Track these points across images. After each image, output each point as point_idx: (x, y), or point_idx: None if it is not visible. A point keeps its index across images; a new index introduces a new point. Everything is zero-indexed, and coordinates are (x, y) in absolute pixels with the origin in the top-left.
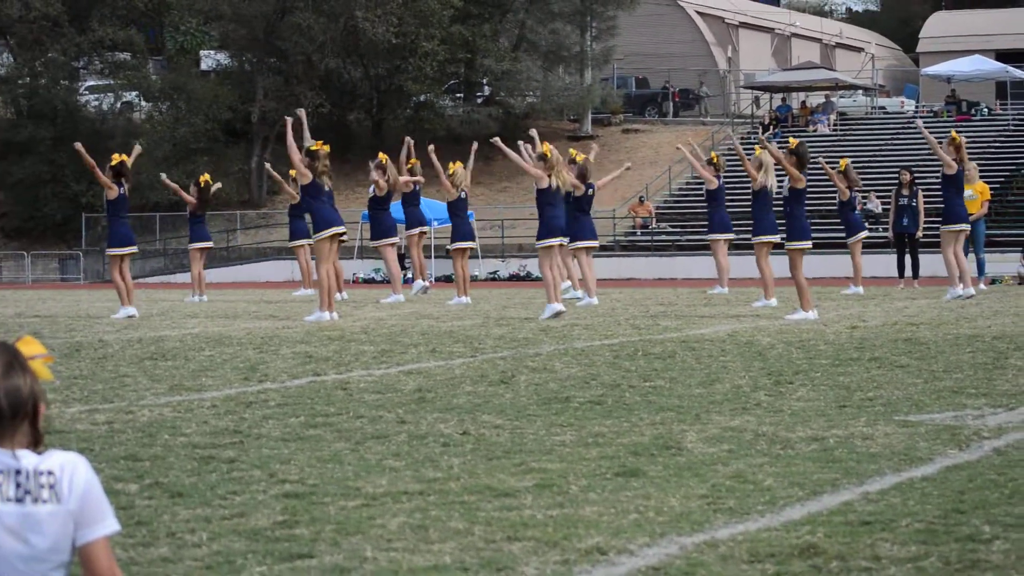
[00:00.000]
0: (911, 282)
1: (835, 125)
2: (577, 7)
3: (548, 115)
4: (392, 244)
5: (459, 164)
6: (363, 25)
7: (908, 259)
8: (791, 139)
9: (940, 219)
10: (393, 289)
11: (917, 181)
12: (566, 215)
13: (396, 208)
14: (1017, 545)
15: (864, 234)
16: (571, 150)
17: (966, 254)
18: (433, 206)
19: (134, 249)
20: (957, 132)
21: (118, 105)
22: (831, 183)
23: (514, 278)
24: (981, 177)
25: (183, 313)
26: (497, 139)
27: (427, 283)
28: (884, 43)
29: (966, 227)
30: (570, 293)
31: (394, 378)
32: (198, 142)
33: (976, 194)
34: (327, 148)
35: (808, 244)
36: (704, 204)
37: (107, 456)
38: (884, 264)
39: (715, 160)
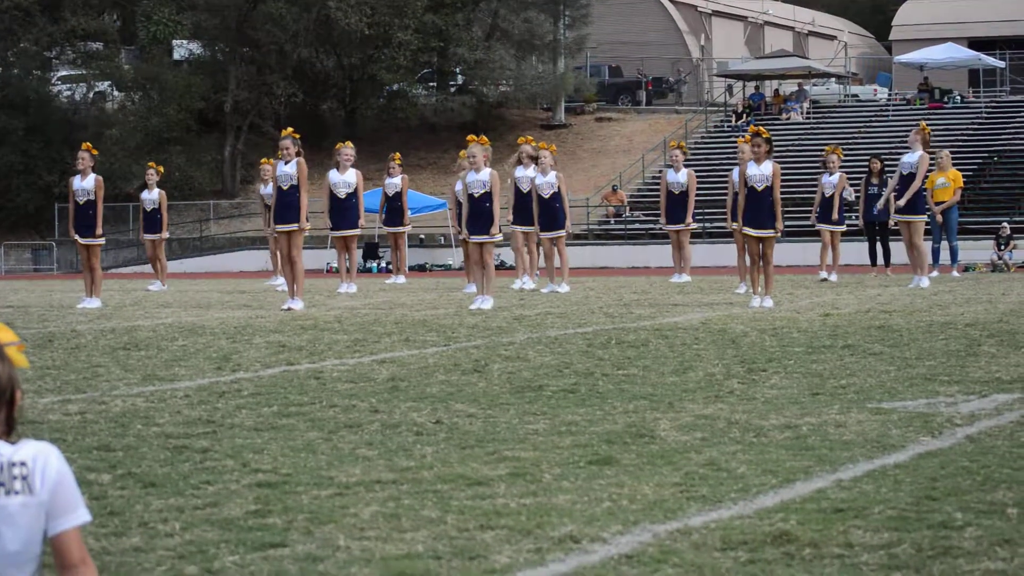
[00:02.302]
0: (883, 270)
1: (808, 113)
2: None
3: (521, 104)
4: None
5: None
6: (336, 15)
7: (879, 247)
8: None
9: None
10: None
11: (888, 169)
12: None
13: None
14: (989, 532)
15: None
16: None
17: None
18: (412, 196)
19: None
20: (924, 121)
21: (90, 95)
22: (804, 171)
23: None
24: (954, 165)
25: (156, 303)
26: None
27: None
28: (857, 31)
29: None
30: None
31: (367, 367)
32: (171, 132)
33: (949, 182)
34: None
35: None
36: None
37: (80, 446)
38: (857, 252)
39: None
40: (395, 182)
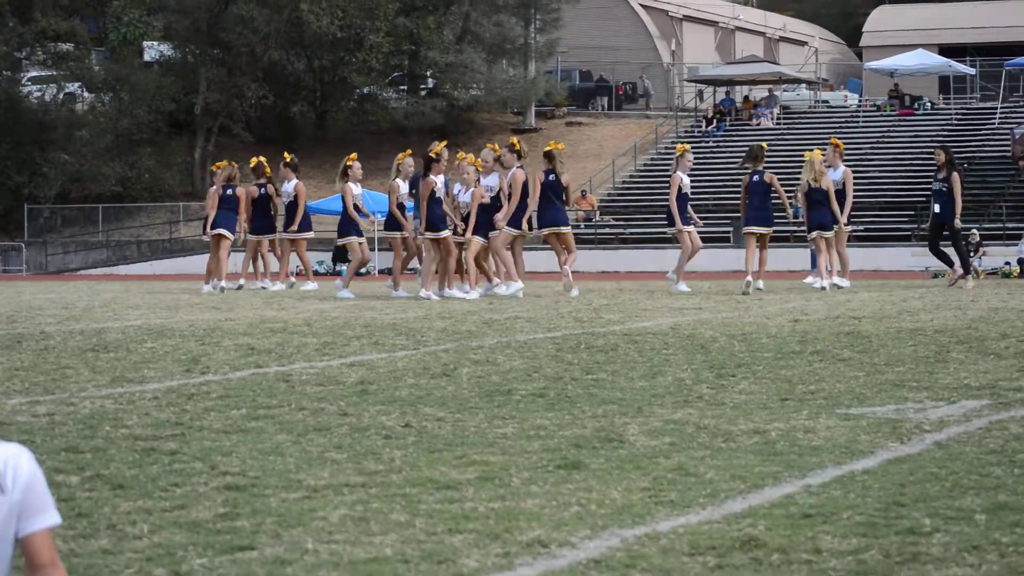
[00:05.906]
0: (959, 276)
1: (778, 119)
2: None
3: (492, 108)
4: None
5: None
6: (307, 17)
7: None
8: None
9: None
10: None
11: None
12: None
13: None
14: (957, 538)
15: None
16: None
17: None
18: (377, 198)
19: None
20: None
21: (61, 96)
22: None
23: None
24: (925, 171)
25: (125, 305)
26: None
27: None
28: (828, 37)
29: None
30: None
31: (336, 370)
32: (141, 133)
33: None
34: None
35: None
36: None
37: (48, 448)
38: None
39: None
40: (288, 189)
